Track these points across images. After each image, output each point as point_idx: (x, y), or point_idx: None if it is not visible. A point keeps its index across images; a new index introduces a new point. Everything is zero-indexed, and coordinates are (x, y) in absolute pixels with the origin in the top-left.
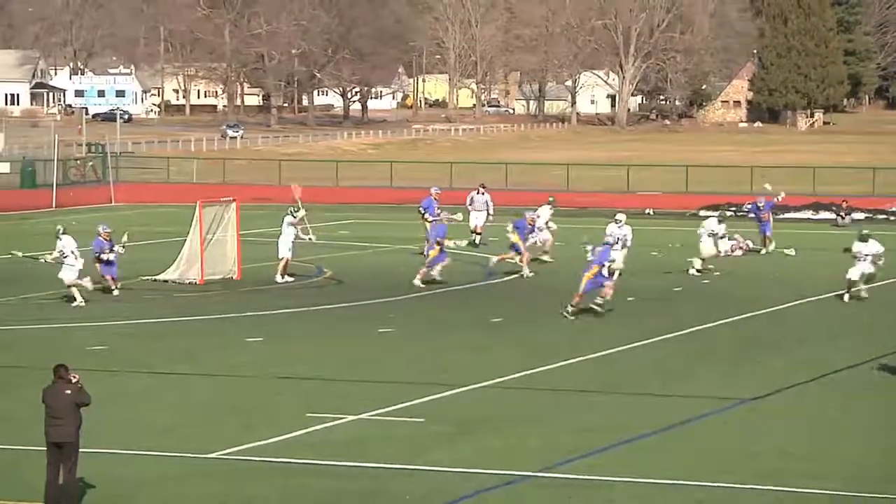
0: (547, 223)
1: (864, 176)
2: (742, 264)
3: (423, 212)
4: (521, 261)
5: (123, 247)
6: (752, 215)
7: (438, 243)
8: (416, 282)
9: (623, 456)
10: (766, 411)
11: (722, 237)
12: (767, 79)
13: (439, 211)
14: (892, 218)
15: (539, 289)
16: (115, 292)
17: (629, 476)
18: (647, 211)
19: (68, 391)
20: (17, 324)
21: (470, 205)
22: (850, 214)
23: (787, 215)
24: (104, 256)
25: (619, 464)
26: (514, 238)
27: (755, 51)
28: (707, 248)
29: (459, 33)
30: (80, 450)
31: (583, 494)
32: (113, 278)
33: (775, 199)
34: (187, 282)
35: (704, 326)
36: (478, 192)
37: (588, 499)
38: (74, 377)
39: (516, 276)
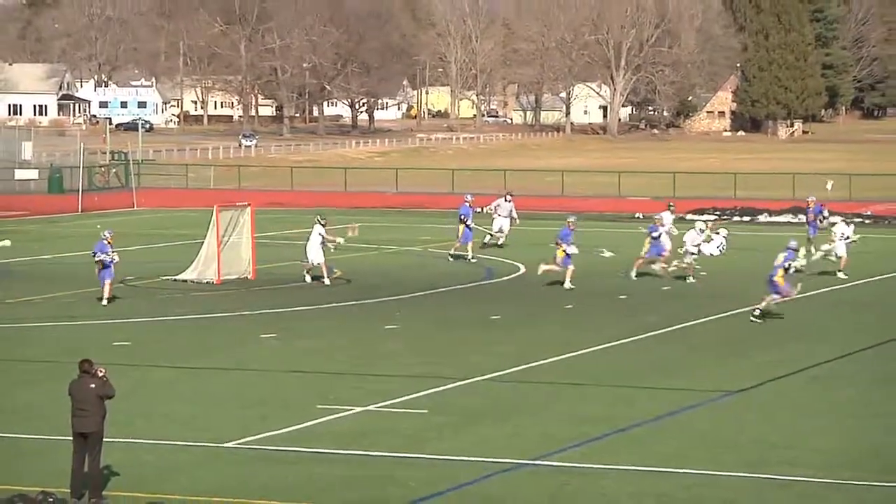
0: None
1: (840, 182)
2: (729, 263)
3: (463, 218)
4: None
5: (111, 255)
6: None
7: (560, 246)
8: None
9: (616, 445)
10: (751, 403)
11: (851, 241)
12: (750, 90)
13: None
14: (867, 221)
15: (534, 287)
16: (104, 302)
17: (621, 464)
18: (636, 215)
19: (92, 384)
20: (45, 321)
21: (495, 210)
22: (827, 218)
23: (768, 219)
24: (100, 258)
25: (612, 452)
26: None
27: (738, 64)
28: (842, 250)
29: (460, 48)
30: (105, 439)
31: (577, 481)
32: (105, 285)
33: (821, 206)
34: (205, 281)
35: (693, 323)
36: (505, 199)
37: (582, 485)
38: (101, 371)
39: (515, 276)
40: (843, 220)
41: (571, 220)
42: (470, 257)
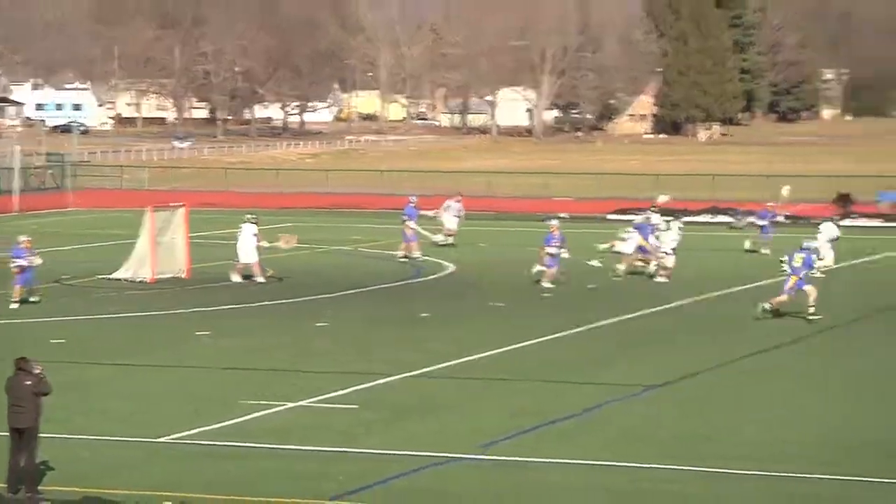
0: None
1: (758, 183)
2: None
3: (405, 219)
4: (648, 260)
5: (29, 259)
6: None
7: (550, 253)
8: (546, 284)
9: (545, 438)
10: (674, 396)
11: (835, 240)
12: (670, 94)
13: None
14: (786, 221)
15: (463, 285)
16: (15, 305)
17: (550, 457)
18: (561, 215)
19: (28, 381)
20: None
21: (445, 209)
22: (745, 217)
23: (687, 219)
24: (15, 263)
25: (541, 446)
26: (640, 241)
27: (659, 69)
28: (829, 254)
29: (389, 53)
30: (44, 435)
31: (507, 474)
32: (24, 288)
33: (775, 212)
34: (139, 280)
35: (617, 320)
36: (455, 200)
37: (511, 478)
38: (38, 368)
39: (443, 274)
40: (832, 223)
41: (553, 224)
42: (400, 257)
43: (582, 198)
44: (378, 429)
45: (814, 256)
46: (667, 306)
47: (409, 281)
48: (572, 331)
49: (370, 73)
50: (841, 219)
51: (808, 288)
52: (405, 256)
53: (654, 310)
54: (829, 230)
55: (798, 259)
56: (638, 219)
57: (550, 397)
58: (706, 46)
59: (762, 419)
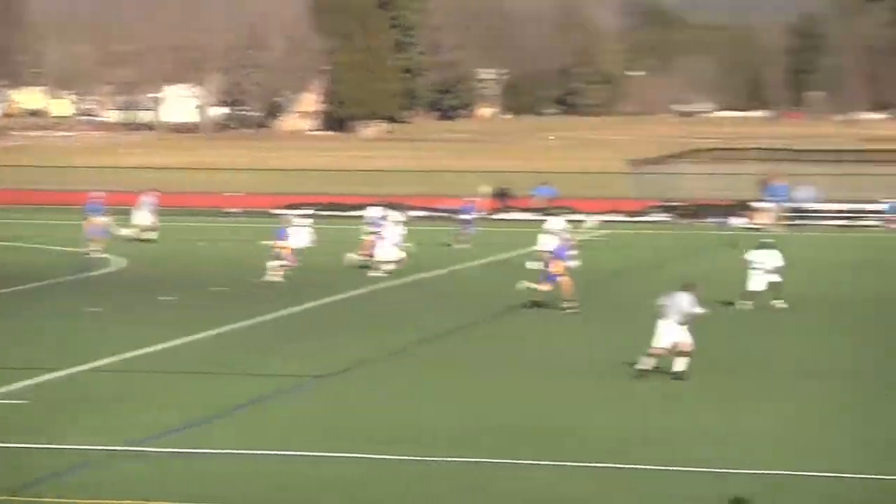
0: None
1: (420, 178)
2: (316, 254)
3: (88, 215)
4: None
5: None
6: (463, 216)
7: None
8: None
9: (219, 429)
10: (342, 386)
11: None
12: (337, 92)
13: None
14: (444, 215)
15: (135, 280)
16: None
17: (223, 447)
18: (228, 210)
19: None
20: None
21: (140, 205)
22: (407, 212)
23: (353, 213)
24: None
25: (215, 436)
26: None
27: (325, 67)
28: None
29: (58, 49)
30: None
31: (179, 465)
32: None
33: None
34: None
35: (286, 312)
36: (150, 196)
37: (180, 469)
38: None
39: (114, 270)
40: (561, 219)
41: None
42: (88, 252)
43: (251, 193)
44: (50, 423)
45: (564, 249)
46: (336, 298)
47: (80, 276)
48: (243, 323)
49: (37, 70)
50: (500, 213)
51: (564, 280)
52: (89, 252)
53: (324, 301)
54: (555, 223)
55: (551, 243)
56: (373, 214)
57: (221, 389)
58: (369, 45)
59: (417, 405)
